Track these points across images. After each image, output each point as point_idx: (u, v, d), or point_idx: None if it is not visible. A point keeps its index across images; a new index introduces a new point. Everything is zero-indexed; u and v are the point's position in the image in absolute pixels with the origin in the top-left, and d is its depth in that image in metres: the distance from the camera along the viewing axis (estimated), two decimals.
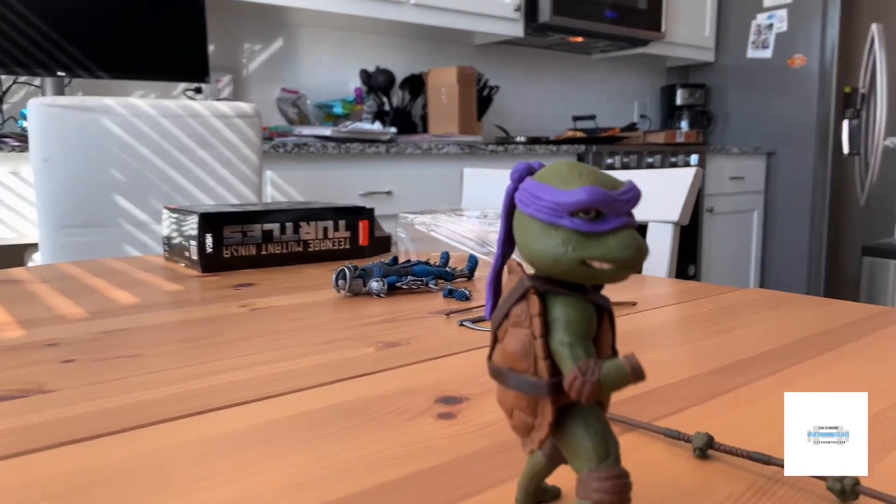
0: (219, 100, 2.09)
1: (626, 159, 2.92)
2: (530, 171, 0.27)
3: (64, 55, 2.05)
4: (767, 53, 3.57)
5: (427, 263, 0.83)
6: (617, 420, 0.40)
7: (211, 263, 0.92)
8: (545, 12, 2.94)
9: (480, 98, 3.01)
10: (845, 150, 3.41)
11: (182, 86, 2.54)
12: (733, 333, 0.60)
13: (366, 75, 2.81)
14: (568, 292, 0.25)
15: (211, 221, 0.92)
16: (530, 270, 0.26)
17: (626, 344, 0.58)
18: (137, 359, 0.53)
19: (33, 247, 1.94)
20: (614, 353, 0.27)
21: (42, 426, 0.40)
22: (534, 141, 2.94)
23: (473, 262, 0.86)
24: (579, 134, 3.15)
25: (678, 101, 3.81)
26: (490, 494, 0.32)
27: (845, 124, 3.40)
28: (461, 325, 0.63)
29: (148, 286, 0.83)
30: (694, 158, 3.17)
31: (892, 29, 3.57)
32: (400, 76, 2.95)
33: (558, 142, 3.00)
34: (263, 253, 0.96)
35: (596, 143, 3.00)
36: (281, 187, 2.12)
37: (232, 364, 0.51)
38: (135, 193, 1.59)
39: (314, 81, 2.82)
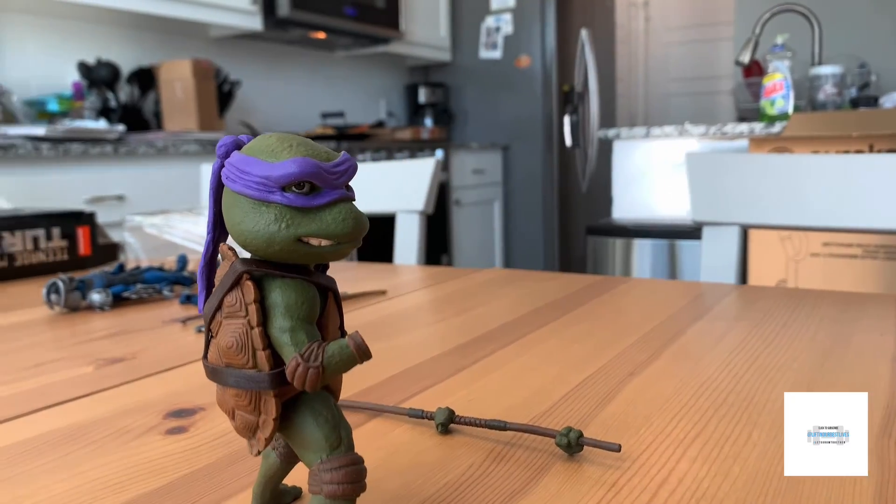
0: None
1: (376, 155, 2.97)
2: (238, 146, 0.25)
3: None
4: (497, 54, 3.86)
5: (161, 269, 0.76)
6: (362, 407, 0.39)
7: None
8: (283, 6, 2.87)
9: (221, 93, 2.86)
10: (568, 143, 3.81)
11: None
12: (477, 310, 0.63)
13: (86, 69, 2.52)
14: (287, 274, 0.23)
15: None
16: (244, 254, 0.23)
17: (378, 332, 0.57)
18: None
19: None
20: (343, 335, 0.26)
21: None
22: None
23: None
24: (329, 130, 3.13)
25: (421, 100, 3.96)
26: None
27: (566, 120, 3.80)
28: (199, 331, 0.58)
29: None
30: (439, 153, 3.32)
31: (598, 34, 4.05)
32: (126, 69, 2.69)
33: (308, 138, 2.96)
34: None
35: (346, 139, 3.01)
36: None
37: None
38: None
39: (21, 75, 2.46)
